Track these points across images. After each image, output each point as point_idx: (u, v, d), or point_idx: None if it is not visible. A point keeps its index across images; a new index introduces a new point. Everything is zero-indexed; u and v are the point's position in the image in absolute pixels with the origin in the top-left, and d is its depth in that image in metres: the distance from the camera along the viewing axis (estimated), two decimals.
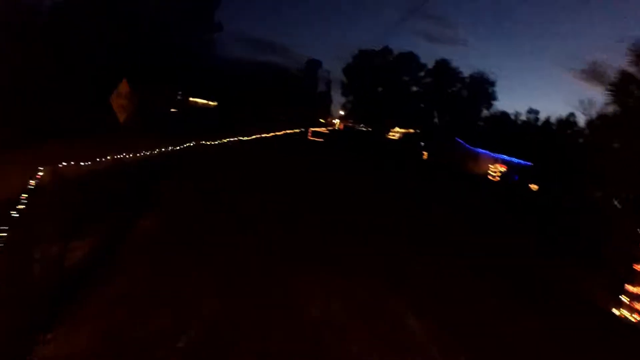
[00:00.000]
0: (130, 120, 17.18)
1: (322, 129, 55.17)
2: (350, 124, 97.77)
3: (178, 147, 14.90)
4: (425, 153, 55.75)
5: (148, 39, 34.47)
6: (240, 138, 30.26)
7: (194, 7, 42.33)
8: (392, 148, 63.16)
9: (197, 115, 46.65)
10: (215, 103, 67.55)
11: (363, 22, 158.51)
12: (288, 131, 47.51)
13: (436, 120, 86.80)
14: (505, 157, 50.07)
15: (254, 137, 34.27)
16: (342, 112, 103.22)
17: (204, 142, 18.99)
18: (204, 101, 64.82)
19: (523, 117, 76.11)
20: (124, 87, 16.51)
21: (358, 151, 45.04)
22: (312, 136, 47.37)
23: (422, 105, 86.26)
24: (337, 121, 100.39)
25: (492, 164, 48.23)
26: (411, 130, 79.41)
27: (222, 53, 66.77)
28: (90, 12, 30.03)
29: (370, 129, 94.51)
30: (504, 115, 79.87)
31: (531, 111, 75.28)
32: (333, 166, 30.69)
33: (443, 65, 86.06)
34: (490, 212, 25.49)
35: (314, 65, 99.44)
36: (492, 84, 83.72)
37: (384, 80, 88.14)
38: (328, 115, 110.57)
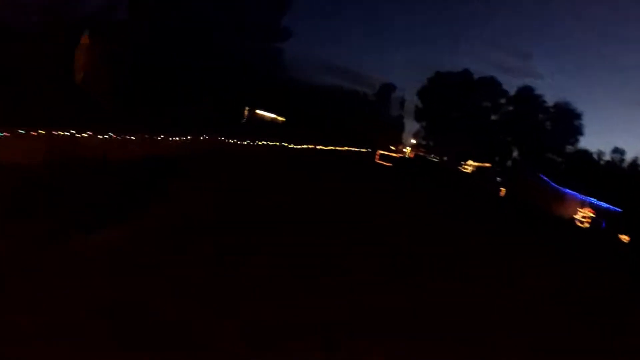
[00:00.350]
0: (93, 82, 14.56)
1: (392, 154, 51.42)
2: (421, 153, 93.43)
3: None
4: (503, 189, 50.75)
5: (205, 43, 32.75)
6: (285, 144, 28.64)
7: (258, 12, 40.06)
8: (465, 182, 58.64)
9: (260, 126, 44.69)
10: (283, 119, 65.78)
11: (438, 50, 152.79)
12: (351, 148, 44.30)
13: (515, 153, 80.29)
14: (594, 200, 44.54)
15: (302, 146, 32.48)
16: (413, 141, 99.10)
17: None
18: (272, 115, 63.09)
19: (607, 157, 69.64)
20: (84, 41, 13.98)
21: (427, 181, 41.13)
22: (379, 159, 43.77)
23: (500, 135, 79.69)
24: (407, 149, 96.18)
25: (580, 208, 42.86)
26: (487, 165, 73.78)
27: (295, 74, 65.24)
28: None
29: (441, 160, 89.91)
30: (586, 153, 73.21)
31: (616, 151, 68.80)
32: (400, 195, 27.11)
33: (526, 91, 79.52)
34: (595, 270, 20.87)
35: (388, 89, 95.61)
36: (579, 116, 76.81)
37: (461, 105, 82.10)
38: (399, 142, 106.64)
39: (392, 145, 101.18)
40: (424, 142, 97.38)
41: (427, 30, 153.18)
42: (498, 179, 63.89)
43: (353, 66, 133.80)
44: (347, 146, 45.16)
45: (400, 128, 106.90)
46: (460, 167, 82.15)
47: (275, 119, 64.56)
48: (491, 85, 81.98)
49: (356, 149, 46.44)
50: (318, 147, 35.36)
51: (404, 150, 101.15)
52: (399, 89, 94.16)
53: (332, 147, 39.02)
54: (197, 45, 30.84)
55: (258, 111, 56.09)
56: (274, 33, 43.81)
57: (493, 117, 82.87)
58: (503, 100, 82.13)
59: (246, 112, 49.31)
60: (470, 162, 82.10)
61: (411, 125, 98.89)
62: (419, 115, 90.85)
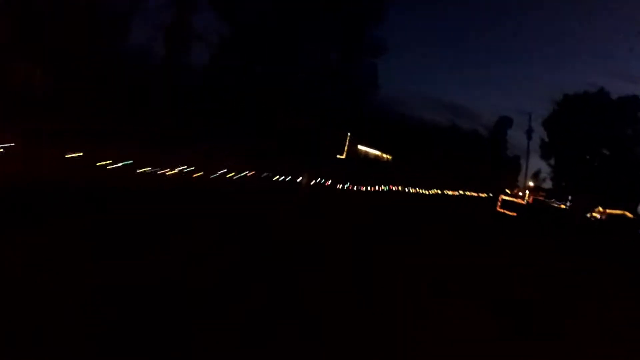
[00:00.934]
0: None
1: (516, 199, 43.60)
2: (541, 197, 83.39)
3: None
4: None
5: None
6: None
7: (349, 21, 35.02)
8: (600, 235, 49.06)
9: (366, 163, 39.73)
10: (389, 156, 60.74)
11: (559, 74, 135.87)
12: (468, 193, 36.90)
13: None
14: None
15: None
16: (531, 183, 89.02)
17: None
18: (376, 152, 58.14)
19: None
20: None
21: (554, 235, 33.06)
22: (501, 207, 36.75)
23: None
24: (527, 192, 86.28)
25: None
26: (627, 214, 61.80)
27: (400, 109, 60.65)
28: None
29: (565, 206, 79.34)
30: None
31: None
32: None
33: None
34: None
35: (504, 124, 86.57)
36: None
37: (596, 135, 67.13)
38: (515, 185, 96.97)
39: (507, 189, 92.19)
40: (543, 185, 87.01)
41: (545, 55, 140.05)
42: None
43: (462, 100, 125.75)
44: (462, 191, 37.74)
45: (517, 169, 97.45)
46: (588, 215, 71.10)
47: (380, 156, 59.40)
48: (635, 106, 66.71)
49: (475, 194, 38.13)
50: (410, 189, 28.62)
51: (519, 194, 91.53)
52: (520, 119, 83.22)
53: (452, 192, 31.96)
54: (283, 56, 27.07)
55: (360, 146, 51.38)
56: (367, 44, 38.49)
57: None
58: None
59: (347, 146, 44.50)
60: (599, 208, 70.37)
61: (536, 161, 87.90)
62: (545, 150, 75.77)
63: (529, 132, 77.36)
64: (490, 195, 43.05)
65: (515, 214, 35.80)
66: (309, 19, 30.03)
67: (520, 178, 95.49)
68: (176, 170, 18.70)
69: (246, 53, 26.61)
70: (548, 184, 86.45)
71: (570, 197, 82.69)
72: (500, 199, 38.98)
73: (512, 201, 39.36)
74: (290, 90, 27.87)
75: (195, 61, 26.90)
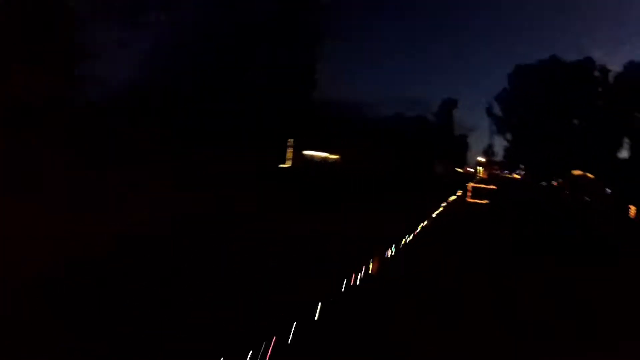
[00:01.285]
0: None
1: (485, 186, 40.02)
2: (495, 171, 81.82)
3: None
4: (633, 208, 38.67)
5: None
6: None
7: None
8: (568, 202, 47.44)
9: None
10: (336, 156, 57.16)
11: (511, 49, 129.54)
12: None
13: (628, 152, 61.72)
14: None
15: None
16: (481, 159, 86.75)
17: None
18: (322, 154, 54.33)
19: None
20: None
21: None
22: (472, 197, 33.13)
23: (600, 134, 61.25)
24: (480, 169, 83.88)
25: None
26: (588, 175, 59.15)
27: (352, 107, 57.28)
28: None
29: (519, 176, 78.74)
30: None
31: None
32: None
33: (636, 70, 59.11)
34: None
35: (449, 105, 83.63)
36: None
37: (552, 103, 64.25)
38: (464, 163, 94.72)
39: (458, 168, 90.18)
40: (495, 159, 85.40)
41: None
42: (608, 190, 52.45)
43: (408, 89, 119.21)
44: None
45: (465, 147, 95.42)
46: (545, 183, 70.00)
47: (327, 157, 55.89)
48: (590, 67, 64.14)
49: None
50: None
51: (469, 170, 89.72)
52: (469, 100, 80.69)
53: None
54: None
55: (305, 152, 47.06)
56: (302, 36, 34.16)
57: (600, 103, 63.80)
58: (600, 89, 63.65)
59: (290, 153, 40.13)
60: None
61: (484, 140, 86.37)
62: (500, 125, 74.66)
63: (489, 109, 75.35)
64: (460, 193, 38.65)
65: (487, 202, 32.26)
66: (237, 11, 25.87)
67: (470, 155, 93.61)
68: None
69: (161, 49, 22.17)
70: (499, 158, 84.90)
71: (522, 166, 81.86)
72: (469, 188, 35.44)
73: (482, 187, 35.99)
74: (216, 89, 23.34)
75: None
